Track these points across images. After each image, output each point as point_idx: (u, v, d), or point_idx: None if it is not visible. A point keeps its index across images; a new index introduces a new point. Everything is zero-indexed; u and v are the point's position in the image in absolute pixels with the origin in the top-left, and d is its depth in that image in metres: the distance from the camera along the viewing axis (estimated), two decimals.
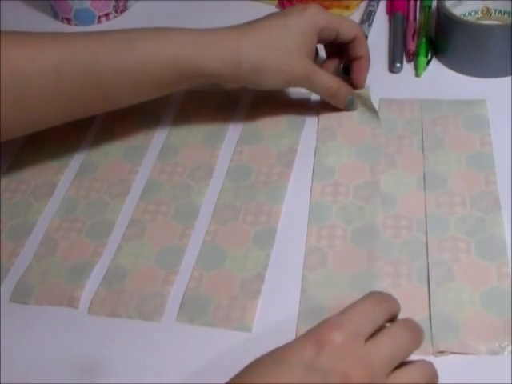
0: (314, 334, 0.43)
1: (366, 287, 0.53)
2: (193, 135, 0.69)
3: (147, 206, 0.63)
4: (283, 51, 0.63)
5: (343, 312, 0.44)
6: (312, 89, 0.67)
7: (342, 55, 0.70)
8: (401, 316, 0.47)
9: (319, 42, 0.66)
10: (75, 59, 0.59)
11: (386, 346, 0.43)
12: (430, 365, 0.44)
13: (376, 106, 0.68)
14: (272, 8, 0.84)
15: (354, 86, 0.69)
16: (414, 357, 0.48)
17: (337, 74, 0.70)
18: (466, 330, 0.50)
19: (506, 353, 0.48)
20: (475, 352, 0.49)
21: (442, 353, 0.49)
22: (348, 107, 0.68)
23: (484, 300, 0.51)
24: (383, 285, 0.53)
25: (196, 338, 0.52)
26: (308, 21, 0.63)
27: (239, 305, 0.54)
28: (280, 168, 0.64)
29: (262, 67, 0.62)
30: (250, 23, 0.64)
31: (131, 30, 0.63)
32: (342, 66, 0.72)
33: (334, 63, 0.70)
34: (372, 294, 0.46)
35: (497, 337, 0.49)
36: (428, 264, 0.54)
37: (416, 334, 0.45)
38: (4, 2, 0.87)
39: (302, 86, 0.66)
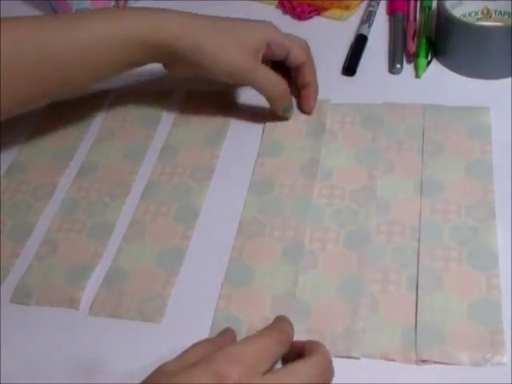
0: (214, 366, 0.42)
1: (354, 292, 0.54)
2: (193, 135, 0.69)
3: (148, 206, 0.63)
4: (233, 41, 0.64)
5: (245, 344, 0.44)
6: (255, 84, 0.66)
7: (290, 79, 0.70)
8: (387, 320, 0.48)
9: (269, 56, 0.67)
10: (28, 41, 0.60)
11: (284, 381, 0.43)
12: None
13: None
14: (272, 8, 0.84)
15: (303, 111, 0.69)
16: (395, 365, 0.49)
17: None
18: (451, 339, 0.49)
19: (488, 365, 0.48)
20: (458, 362, 0.48)
21: (424, 362, 0.49)
22: (285, 113, 0.68)
23: (471, 310, 0.51)
24: (371, 291, 0.53)
25: (197, 340, 0.53)
26: (260, 28, 0.66)
27: None
28: (303, 180, 0.63)
29: (206, 47, 0.63)
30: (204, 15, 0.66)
31: (84, 12, 0.65)
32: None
33: None
34: (274, 330, 0.46)
35: (482, 348, 0.49)
36: (418, 271, 0.54)
37: (326, 373, 0.45)
38: (4, 2, 0.87)
39: (244, 79, 0.66)
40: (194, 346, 0.47)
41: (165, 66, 0.68)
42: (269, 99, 0.67)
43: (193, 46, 0.63)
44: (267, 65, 0.67)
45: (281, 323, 0.48)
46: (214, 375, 0.41)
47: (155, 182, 0.65)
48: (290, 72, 0.70)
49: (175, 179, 0.65)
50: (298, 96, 0.69)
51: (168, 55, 0.64)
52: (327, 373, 0.45)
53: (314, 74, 0.69)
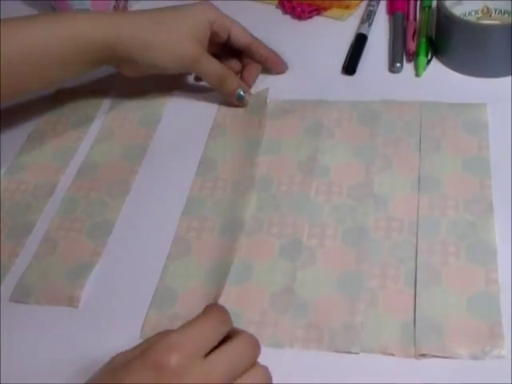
0: (151, 358, 0.40)
1: (353, 287, 0.53)
2: None
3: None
4: (176, 32, 0.67)
5: (183, 330, 0.42)
6: (201, 72, 0.70)
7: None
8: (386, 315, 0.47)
9: (212, 38, 0.69)
10: None
11: (225, 362, 0.42)
12: (264, 369, 0.44)
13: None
14: (272, 8, 0.84)
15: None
16: (394, 359, 0.48)
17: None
18: (450, 333, 0.49)
19: (488, 358, 0.48)
20: (457, 356, 0.48)
21: (423, 356, 0.48)
22: (238, 100, 0.70)
23: (470, 304, 0.51)
24: (370, 286, 0.53)
25: None
26: (201, 10, 0.68)
27: (270, 320, 0.53)
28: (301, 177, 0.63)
29: (154, 42, 0.66)
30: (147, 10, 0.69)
31: (32, 15, 0.67)
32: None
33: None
34: (212, 312, 0.44)
35: (480, 342, 0.49)
36: (416, 266, 0.54)
37: (253, 348, 0.44)
38: (4, 2, 0.88)
39: (192, 68, 0.70)
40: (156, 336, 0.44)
41: (117, 67, 0.70)
42: (216, 88, 0.70)
43: (140, 43, 0.66)
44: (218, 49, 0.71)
45: (217, 310, 0.46)
46: (151, 367, 0.40)
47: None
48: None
49: None
50: (243, 67, 0.72)
51: (116, 55, 0.66)
52: (257, 348, 0.44)
53: (267, 47, 0.71)
